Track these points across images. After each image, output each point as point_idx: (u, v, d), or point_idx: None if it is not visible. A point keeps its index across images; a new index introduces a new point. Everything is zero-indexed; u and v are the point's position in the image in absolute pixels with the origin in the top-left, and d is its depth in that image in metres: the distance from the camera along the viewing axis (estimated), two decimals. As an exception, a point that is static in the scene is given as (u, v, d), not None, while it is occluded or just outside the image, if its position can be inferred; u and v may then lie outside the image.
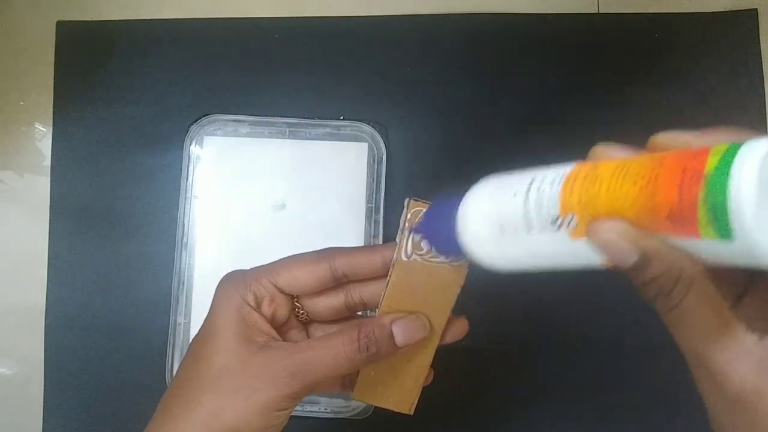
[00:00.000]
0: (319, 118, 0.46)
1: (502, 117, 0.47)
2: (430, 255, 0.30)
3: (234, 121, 0.46)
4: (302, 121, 0.46)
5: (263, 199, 0.46)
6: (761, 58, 0.47)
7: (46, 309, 0.46)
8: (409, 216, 0.30)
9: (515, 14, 0.48)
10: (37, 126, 0.47)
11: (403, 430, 0.45)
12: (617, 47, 0.47)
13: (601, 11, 0.48)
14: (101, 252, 0.46)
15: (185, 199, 0.45)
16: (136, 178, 0.47)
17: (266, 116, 0.46)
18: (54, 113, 0.47)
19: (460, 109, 0.47)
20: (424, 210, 0.30)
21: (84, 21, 0.48)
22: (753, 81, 0.47)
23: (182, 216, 0.45)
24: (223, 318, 0.29)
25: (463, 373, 0.43)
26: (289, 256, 0.31)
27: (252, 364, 0.28)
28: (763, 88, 0.47)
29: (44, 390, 0.45)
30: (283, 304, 0.31)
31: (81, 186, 0.47)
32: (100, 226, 0.46)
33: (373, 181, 0.45)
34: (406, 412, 0.31)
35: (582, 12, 0.48)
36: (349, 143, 0.46)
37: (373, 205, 0.45)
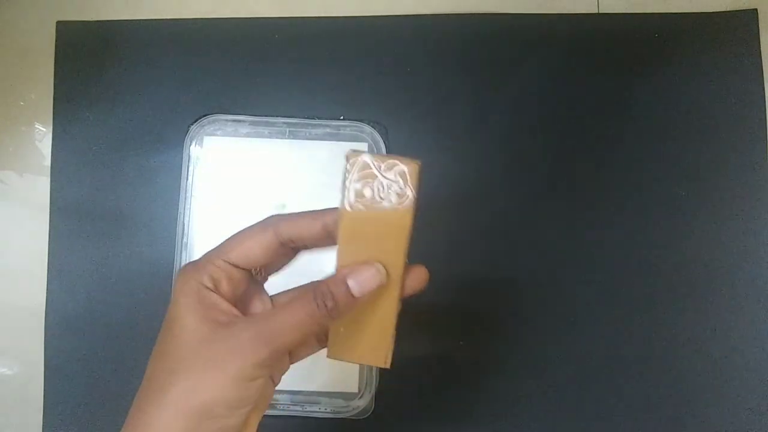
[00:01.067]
0: (318, 118, 0.46)
1: (501, 117, 0.47)
2: (373, 202, 0.30)
3: (234, 121, 0.46)
4: (302, 121, 0.46)
5: (264, 200, 0.46)
6: (761, 58, 0.47)
7: (46, 309, 0.46)
8: (348, 167, 0.30)
9: (515, 14, 0.48)
10: (37, 126, 0.47)
11: (403, 429, 0.45)
12: (617, 47, 0.47)
13: (601, 11, 0.48)
14: (101, 252, 0.46)
15: (185, 199, 0.45)
16: (136, 178, 0.47)
17: (266, 116, 0.46)
18: (54, 113, 0.47)
19: (460, 108, 0.47)
20: (363, 156, 0.29)
21: (84, 21, 0.48)
22: (753, 80, 0.47)
23: (182, 216, 0.45)
24: (183, 304, 0.29)
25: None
26: (236, 232, 0.32)
27: (217, 340, 0.28)
28: (764, 87, 0.47)
29: (44, 390, 0.45)
30: (242, 280, 0.31)
31: (81, 186, 0.47)
32: (100, 226, 0.46)
33: None
34: (382, 366, 0.31)
35: (582, 12, 0.48)
36: (349, 143, 0.46)
37: None
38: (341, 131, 0.46)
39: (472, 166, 0.46)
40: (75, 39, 0.48)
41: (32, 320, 0.46)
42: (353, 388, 0.45)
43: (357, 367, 0.45)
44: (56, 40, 0.48)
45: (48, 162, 0.47)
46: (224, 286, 0.31)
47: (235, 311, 0.30)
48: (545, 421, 0.44)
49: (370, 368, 0.45)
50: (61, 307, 0.46)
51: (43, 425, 0.45)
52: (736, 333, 0.45)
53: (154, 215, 0.46)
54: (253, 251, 0.31)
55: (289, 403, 0.44)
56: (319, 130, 0.46)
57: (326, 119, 0.46)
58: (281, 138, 0.46)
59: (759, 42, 0.47)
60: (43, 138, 0.47)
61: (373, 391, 0.44)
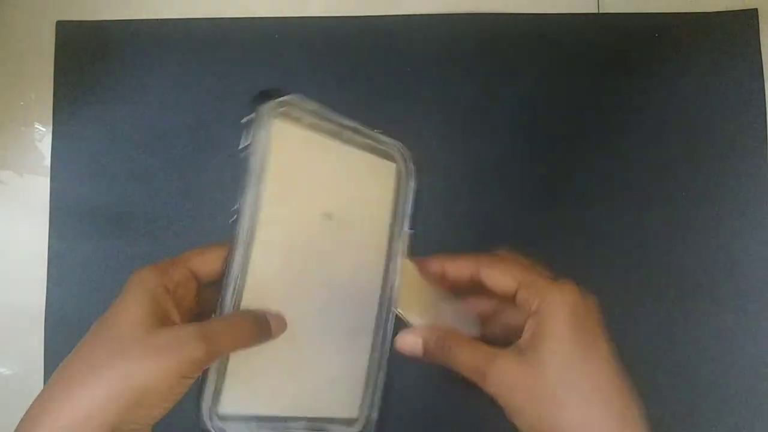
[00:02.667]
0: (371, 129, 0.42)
1: (500, 117, 0.47)
2: None
3: (305, 109, 0.39)
4: (359, 127, 0.40)
5: (313, 206, 0.40)
6: (761, 58, 0.47)
7: (46, 309, 0.46)
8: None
9: (515, 14, 0.48)
10: (36, 126, 0.47)
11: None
12: (617, 47, 0.47)
13: (601, 11, 0.48)
14: (101, 252, 0.46)
15: (255, 191, 0.37)
16: (136, 178, 0.46)
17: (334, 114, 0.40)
18: (54, 113, 0.47)
19: (460, 108, 0.47)
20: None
21: (84, 21, 0.48)
22: (753, 80, 0.47)
23: (246, 210, 0.36)
24: (135, 296, 0.31)
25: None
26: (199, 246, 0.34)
27: (159, 335, 0.29)
28: (764, 87, 0.47)
29: (44, 390, 0.45)
30: (191, 292, 0.33)
31: (81, 186, 0.47)
32: (100, 226, 0.46)
33: (398, 204, 0.42)
34: None
35: (582, 12, 0.48)
36: (383, 161, 0.42)
37: (396, 230, 0.41)
38: (380, 146, 0.42)
39: (472, 166, 0.46)
40: (75, 39, 0.48)
41: (32, 320, 0.46)
42: (352, 413, 0.40)
43: (360, 390, 0.41)
44: (56, 40, 0.48)
45: (48, 162, 0.47)
46: (181, 290, 0.33)
47: (179, 318, 0.32)
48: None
49: (373, 392, 0.41)
50: (61, 307, 0.46)
51: (43, 425, 0.45)
52: (736, 333, 0.45)
53: (154, 215, 0.46)
54: (213, 263, 0.34)
55: (302, 429, 0.39)
56: (365, 140, 0.41)
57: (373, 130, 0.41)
58: (338, 140, 0.40)
59: (759, 41, 0.47)
60: (43, 138, 0.47)
61: (375, 417, 0.40)
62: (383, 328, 0.40)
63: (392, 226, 0.41)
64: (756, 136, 0.46)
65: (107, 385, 0.28)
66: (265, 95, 0.37)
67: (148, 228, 0.46)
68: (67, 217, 0.46)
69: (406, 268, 0.38)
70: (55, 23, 0.48)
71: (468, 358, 0.32)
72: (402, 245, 0.40)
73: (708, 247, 0.46)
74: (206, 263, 0.34)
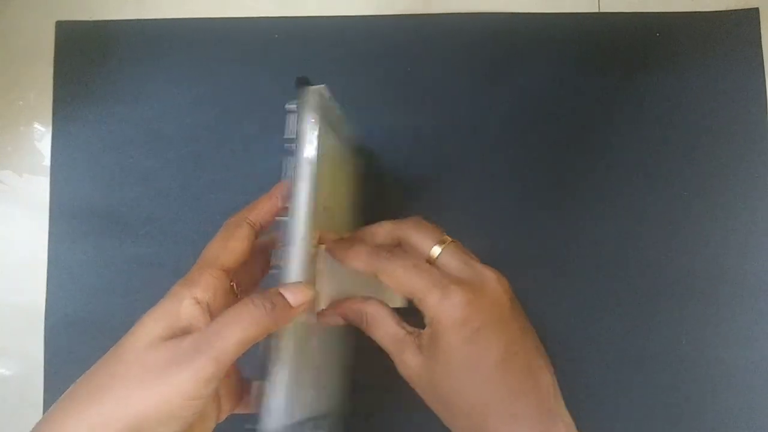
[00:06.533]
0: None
1: (500, 117, 0.47)
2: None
3: (326, 98, 0.36)
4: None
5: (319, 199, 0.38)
6: (763, 58, 0.47)
7: (46, 309, 0.46)
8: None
9: (515, 14, 0.48)
10: (36, 126, 0.47)
11: None
12: (618, 47, 0.47)
13: (601, 10, 0.48)
14: (101, 252, 0.46)
15: (312, 183, 0.33)
16: (136, 178, 0.46)
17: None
18: (54, 113, 0.47)
19: (459, 108, 0.47)
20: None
21: (84, 21, 0.48)
22: (754, 80, 0.47)
23: (299, 203, 0.33)
24: (153, 313, 0.29)
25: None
26: (210, 243, 0.33)
27: (159, 350, 0.28)
28: (765, 87, 0.47)
29: (44, 390, 0.45)
30: (229, 291, 0.32)
31: (81, 186, 0.46)
32: (100, 226, 0.46)
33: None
34: None
35: (583, 11, 0.48)
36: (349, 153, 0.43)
37: None
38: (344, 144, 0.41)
39: (472, 167, 0.46)
40: (75, 39, 0.48)
41: (32, 320, 0.46)
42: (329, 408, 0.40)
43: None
44: (56, 40, 0.48)
45: (47, 162, 0.47)
46: (219, 300, 0.31)
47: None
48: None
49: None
50: (61, 307, 0.46)
51: (43, 425, 0.45)
52: (737, 333, 0.45)
53: (155, 215, 0.46)
54: (239, 249, 0.33)
55: None
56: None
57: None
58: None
59: (760, 41, 0.47)
60: (42, 138, 0.47)
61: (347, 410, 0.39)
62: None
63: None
64: (757, 136, 0.46)
65: (105, 411, 0.27)
66: (304, 81, 0.34)
67: (148, 228, 0.46)
68: (67, 217, 0.46)
69: (320, 254, 0.36)
70: (55, 23, 0.48)
71: (382, 337, 0.33)
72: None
73: (708, 247, 0.46)
74: (234, 256, 0.32)
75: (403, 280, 0.32)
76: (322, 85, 0.35)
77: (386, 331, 0.33)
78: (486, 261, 0.34)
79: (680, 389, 0.45)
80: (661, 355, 0.45)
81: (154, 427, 0.27)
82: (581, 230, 0.46)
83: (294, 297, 0.31)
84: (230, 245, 0.32)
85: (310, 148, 0.33)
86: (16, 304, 0.46)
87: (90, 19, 0.48)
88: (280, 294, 0.30)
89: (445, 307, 0.31)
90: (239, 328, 0.28)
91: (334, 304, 0.35)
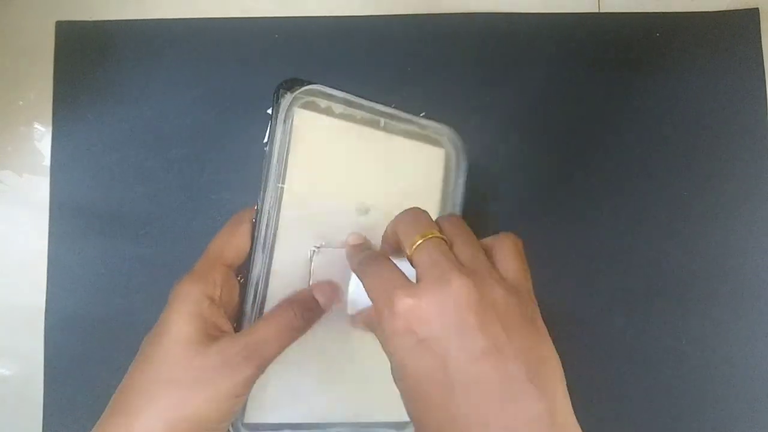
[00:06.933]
0: (408, 114, 0.39)
1: (499, 116, 0.47)
2: None
3: (330, 96, 0.37)
4: (396, 113, 0.38)
5: (348, 200, 0.37)
6: (763, 58, 0.47)
7: (46, 309, 0.46)
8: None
9: (515, 13, 0.48)
10: (36, 126, 0.47)
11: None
12: (618, 47, 0.47)
13: (601, 10, 0.48)
14: (101, 252, 0.46)
15: (269, 186, 0.34)
16: (136, 178, 0.46)
17: (362, 97, 0.38)
18: (54, 113, 0.47)
19: (459, 108, 0.47)
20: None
21: (84, 21, 0.48)
22: (754, 80, 0.47)
23: (266, 208, 0.34)
24: (178, 314, 0.30)
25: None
26: (214, 239, 0.34)
27: (208, 355, 0.29)
28: (765, 87, 0.47)
29: (44, 390, 0.45)
30: (235, 286, 0.33)
31: (81, 186, 0.46)
32: (100, 226, 0.46)
33: (448, 190, 0.40)
34: None
35: (583, 11, 0.48)
36: (429, 147, 0.40)
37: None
38: (423, 131, 0.39)
39: (471, 166, 0.46)
40: (75, 39, 0.48)
41: (32, 320, 0.46)
42: (404, 415, 0.35)
43: None
44: (56, 40, 0.48)
45: (47, 162, 0.47)
46: (225, 294, 0.32)
47: (229, 327, 0.31)
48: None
49: None
50: (61, 307, 0.46)
51: (43, 425, 0.45)
52: (737, 333, 0.45)
53: (154, 215, 0.46)
54: (242, 246, 0.33)
55: None
56: (406, 126, 0.38)
57: (414, 116, 0.39)
58: (374, 128, 0.38)
59: (760, 41, 0.47)
60: (42, 138, 0.47)
61: None
62: None
63: (442, 214, 0.39)
64: (756, 136, 0.46)
65: (159, 415, 0.28)
66: (288, 85, 0.35)
67: (148, 228, 0.46)
68: (67, 217, 0.46)
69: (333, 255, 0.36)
70: (55, 23, 0.48)
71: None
72: None
73: (708, 247, 0.46)
74: (238, 253, 0.33)
75: (368, 289, 0.29)
76: (312, 85, 0.35)
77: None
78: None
79: (680, 389, 0.45)
80: (661, 355, 0.45)
81: (214, 426, 0.29)
82: (580, 230, 0.46)
83: (325, 299, 0.32)
84: (233, 241, 0.33)
85: (275, 150, 0.34)
86: (16, 304, 0.46)
87: (90, 19, 0.48)
88: (314, 297, 0.32)
89: (387, 315, 0.26)
90: (282, 336, 0.30)
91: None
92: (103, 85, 0.47)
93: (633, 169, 0.46)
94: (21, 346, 0.46)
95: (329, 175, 0.37)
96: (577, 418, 0.29)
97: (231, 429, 0.32)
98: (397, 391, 0.28)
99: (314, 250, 0.35)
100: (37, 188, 0.47)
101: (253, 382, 0.29)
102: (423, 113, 0.38)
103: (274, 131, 0.34)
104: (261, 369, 0.29)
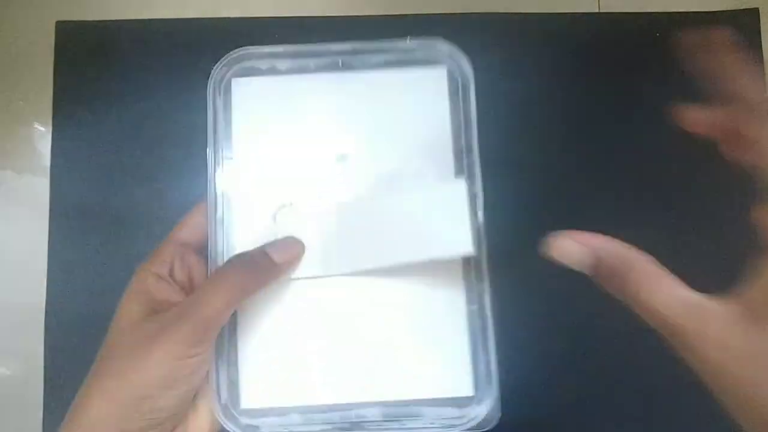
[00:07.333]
0: (378, 41, 0.37)
1: (498, 116, 0.47)
2: None
3: (270, 54, 0.36)
4: (359, 45, 0.36)
5: (319, 152, 0.36)
6: (763, 58, 0.47)
7: (46, 309, 0.46)
8: None
9: (514, 13, 0.48)
10: (36, 126, 0.47)
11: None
12: (618, 46, 0.47)
13: (601, 10, 0.48)
14: (101, 252, 0.46)
15: (215, 162, 0.36)
16: (136, 177, 0.46)
17: (309, 44, 0.36)
18: (53, 113, 0.47)
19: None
20: None
21: (84, 21, 0.48)
22: (754, 81, 0.47)
23: (212, 186, 0.35)
24: (128, 293, 0.31)
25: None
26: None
27: (145, 325, 0.29)
28: (765, 88, 0.47)
29: (44, 390, 0.45)
30: (197, 263, 0.33)
31: (81, 186, 0.46)
32: (100, 226, 0.46)
33: (459, 113, 0.36)
34: None
35: (582, 11, 0.48)
36: (423, 69, 0.36)
37: (464, 145, 0.36)
38: (411, 55, 0.36)
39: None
40: (75, 39, 0.48)
41: (32, 320, 0.46)
42: (467, 390, 0.33)
43: (468, 362, 0.33)
44: (56, 40, 0.48)
45: (47, 162, 0.47)
46: (177, 271, 0.32)
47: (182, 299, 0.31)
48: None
49: (488, 364, 0.33)
50: (61, 307, 0.46)
51: (43, 425, 0.45)
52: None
53: (154, 215, 0.46)
54: (201, 224, 0.33)
55: (381, 418, 0.33)
56: (382, 57, 0.36)
57: (388, 41, 0.36)
58: (333, 71, 0.36)
59: (760, 41, 0.47)
60: (42, 138, 0.47)
61: (495, 393, 0.32)
62: (477, 282, 0.33)
63: (457, 141, 0.36)
64: (757, 136, 0.46)
65: (104, 392, 0.28)
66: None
67: (148, 228, 0.46)
68: (67, 217, 0.46)
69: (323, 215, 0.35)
70: (55, 23, 0.48)
71: (663, 303, 0.25)
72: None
73: (709, 247, 0.46)
74: (193, 231, 0.33)
75: None
76: (239, 50, 0.36)
77: (670, 293, 0.26)
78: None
79: (680, 389, 0.45)
80: (661, 355, 0.45)
81: (160, 392, 0.28)
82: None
83: (279, 254, 0.31)
84: (190, 221, 0.34)
85: (213, 125, 0.36)
86: (16, 304, 0.46)
87: (90, 19, 0.48)
88: (264, 252, 0.31)
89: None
90: (223, 291, 0.29)
91: (576, 236, 0.28)
92: (103, 85, 0.47)
93: (632, 169, 0.46)
94: (21, 346, 0.46)
95: (287, 134, 0.36)
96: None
97: (223, 417, 0.31)
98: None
99: (275, 212, 0.34)
100: (37, 188, 0.47)
101: (198, 343, 0.28)
102: (408, 37, 0.36)
103: (211, 107, 0.36)
104: (204, 325, 0.28)
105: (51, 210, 0.46)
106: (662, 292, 0.26)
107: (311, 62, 0.36)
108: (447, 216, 0.32)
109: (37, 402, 0.45)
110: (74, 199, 0.46)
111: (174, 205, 0.46)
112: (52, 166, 0.47)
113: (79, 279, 0.46)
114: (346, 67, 0.36)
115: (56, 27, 0.48)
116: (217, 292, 0.29)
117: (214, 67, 0.36)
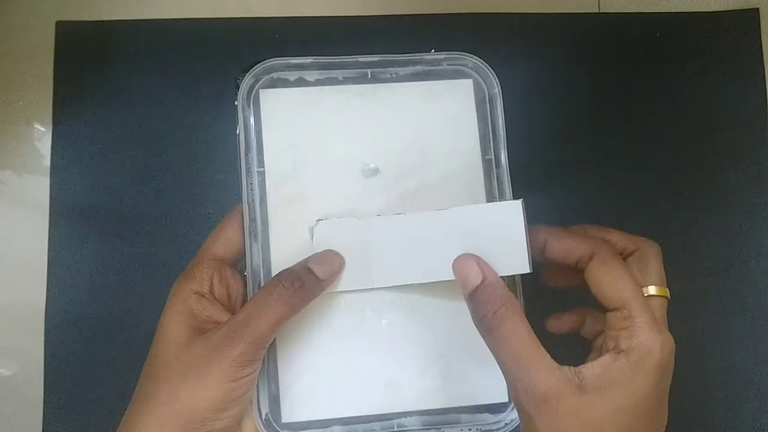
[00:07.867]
0: (406, 54, 0.37)
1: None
2: None
3: (298, 66, 0.36)
4: (386, 57, 0.37)
5: (349, 164, 0.36)
6: (763, 57, 0.47)
7: (46, 309, 0.46)
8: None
9: (514, 13, 0.48)
10: (36, 126, 0.47)
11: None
12: (618, 47, 0.47)
13: (602, 10, 0.48)
14: (101, 252, 0.46)
15: (248, 175, 0.35)
16: (136, 177, 0.46)
17: (337, 57, 0.37)
18: (54, 113, 0.47)
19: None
20: None
21: (84, 21, 0.48)
22: (754, 81, 0.47)
23: (248, 199, 0.35)
24: (170, 312, 0.30)
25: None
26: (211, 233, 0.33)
27: (194, 346, 0.28)
28: (765, 88, 0.47)
29: (44, 390, 0.45)
30: (233, 278, 0.32)
31: (81, 186, 0.46)
32: (100, 226, 0.46)
33: (487, 125, 0.36)
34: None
35: (582, 11, 0.48)
36: (450, 81, 0.37)
37: (492, 157, 0.36)
38: (438, 67, 0.37)
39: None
40: (75, 39, 0.48)
41: (32, 320, 0.46)
42: (502, 396, 0.34)
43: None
44: (56, 40, 0.48)
45: (47, 162, 0.47)
46: (216, 287, 0.31)
47: (226, 317, 0.30)
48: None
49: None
50: (61, 307, 0.46)
51: (43, 425, 0.45)
52: (737, 333, 0.45)
53: (155, 215, 0.46)
54: (234, 238, 0.33)
55: (420, 426, 0.33)
56: (409, 69, 0.37)
57: (416, 53, 0.37)
58: (362, 83, 0.36)
59: (760, 41, 0.47)
60: (42, 138, 0.47)
61: None
62: (510, 290, 0.32)
63: (485, 152, 0.36)
64: (756, 137, 0.46)
65: (156, 414, 0.28)
66: (246, 70, 0.35)
67: (148, 228, 0.46)
68: (67, 217, 0.46)
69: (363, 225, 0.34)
70: (55, 23, 0.48)
71: (512, 352, 0.28)
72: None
73: (707, 246, 0.46)
74: (226, 245, 0.33)
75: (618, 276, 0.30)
76: (268, 61, 0.36)
77: (524, 345, 0.28)
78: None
79: (680, 389, 0.45)
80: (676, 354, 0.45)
81: (215, 415, 0.28)
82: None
83: (322, 269, 0.31)
84: (222, 235, 0.33)
85: (244, 138, 0.35)
86: (16, 304, 0.46)
87: (90, 19, 0.48)
88: (308, 268, 0.30)
89: (657, 342, 0.29)
90: (272, 310, 0.29)
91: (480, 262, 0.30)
92: (103, 85, 0.47)
93: (632, 169, 0.46)
94: (21, 346, 0.46)
95: (317, 146, 0.36)
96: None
97: (264, 430, 0.31)
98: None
99: (313, 226, 0.33)
100: (37, 188, 0.47)
101: (250, 363, 0.28)
102: (432, 49, 0.37)
103: (241, 119, 0.35)
104: (253, 346, 0.28)
105: (51, 210, 0.46)
106: (515, 337, 0.28)
107: (339, 74, 0.37)
108: (504, 234, 0.32)
109: (37, 402, 0.45)
110: (74, 199, 0.46)
111: (174, 205, 0.46)
112: (52, 166, 0.47)
113: (79, 279, 0.46)
114: (375, 78, 0.36)
115: (56, 27, 0.48)
116: (266, 311, 0.29)
117: (243, 79, 0.36)
